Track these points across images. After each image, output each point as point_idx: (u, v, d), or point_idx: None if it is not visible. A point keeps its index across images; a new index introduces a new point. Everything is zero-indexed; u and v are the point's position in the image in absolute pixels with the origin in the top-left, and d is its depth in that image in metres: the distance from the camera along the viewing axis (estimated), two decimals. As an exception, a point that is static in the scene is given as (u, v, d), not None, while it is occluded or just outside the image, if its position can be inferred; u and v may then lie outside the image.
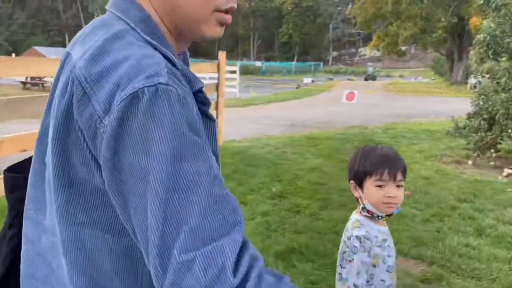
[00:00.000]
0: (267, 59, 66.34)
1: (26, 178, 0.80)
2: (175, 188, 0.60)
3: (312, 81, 38.97)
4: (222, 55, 7.45)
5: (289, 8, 69.56)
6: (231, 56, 46.89)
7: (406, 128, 10.66)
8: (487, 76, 8.78)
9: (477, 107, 7.74)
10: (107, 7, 0.79)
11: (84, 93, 0.65)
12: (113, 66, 0.65)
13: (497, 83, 7.31)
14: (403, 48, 41.47)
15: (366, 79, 44.54)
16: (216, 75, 7.39)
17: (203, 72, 8.73)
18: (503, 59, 6.44)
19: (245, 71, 43.49)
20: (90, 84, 0.65)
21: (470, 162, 7.11)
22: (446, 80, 34.87)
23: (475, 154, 7.06)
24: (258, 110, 14.48)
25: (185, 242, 0.58)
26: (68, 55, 0.75)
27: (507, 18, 5.88)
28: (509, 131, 6.12)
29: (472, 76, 11.59)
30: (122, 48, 0.68)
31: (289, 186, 5.43)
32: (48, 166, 0.72)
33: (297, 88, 29.26)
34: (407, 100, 19.53)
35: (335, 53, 79.10)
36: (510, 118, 6.01)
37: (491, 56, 6.29)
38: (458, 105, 11.95)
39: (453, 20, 31.68)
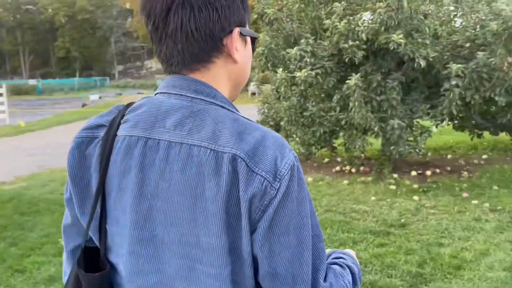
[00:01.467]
0: (44, 76, 59.64)
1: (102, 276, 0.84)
2: (316, 239, 0.82)
3: (100, 97, 36.71)
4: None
5: (62, 20, 64.08)
6: (-4, 75, 40.41)
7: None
8: (266, 85, 9.48)
9: (263, 115, 8.21)
10: (176, 91, 0.84)
11: (248, 167, 0.76)
12: (260, 142, 0.78)
13: (277, 91, 7.89)
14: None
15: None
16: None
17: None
18: (280, 70, 6.90)
19: (17, 92, 38.08)
20: (250, 160, 0.77)
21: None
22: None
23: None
24: (36, 138, 12.46)
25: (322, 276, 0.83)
26: (148, 140, 0.81)
27: (279, 32, 6.27)
28: (294, 136, 6.55)
29: (251, 83, 12.47)
30: (249, 125, 0.82)
31: (82, 232, 4.53)
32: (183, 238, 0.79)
33: (83, 107, 27.02)
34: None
35: (120, 67, 76.79)
36: (293, 124, 6.43)
37: (270, 68, 6.63)
38: (241, 111, 12.63)
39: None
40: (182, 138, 0.79)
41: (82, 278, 0.86)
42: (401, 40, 4.87)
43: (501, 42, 5.03)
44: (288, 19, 6.09)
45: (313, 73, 5.44)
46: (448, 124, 6.55)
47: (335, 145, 7.04)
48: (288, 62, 6.17)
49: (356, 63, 5.46)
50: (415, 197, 5.60)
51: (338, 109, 5.86)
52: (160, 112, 0.82)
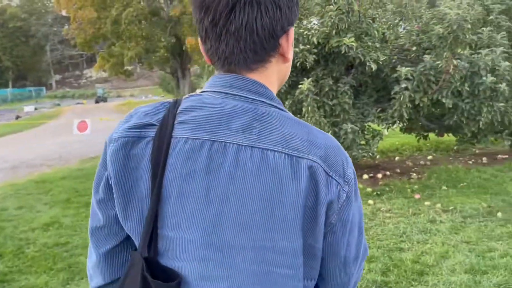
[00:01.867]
0: (-27, 88, 55.65)
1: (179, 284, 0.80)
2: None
3: (36, 108, 34.77)
4: None
5: (-9, 28, 60.24)
6: None
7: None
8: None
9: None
10: (235, 92, 0.82)
11: (325, 173, 0.79)
12: (329, 147, 0.82)
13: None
14: (130, 68, 41.66)
15: (97, 102, 42.90)
16: None
17: None
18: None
19: None
20: (325, 165, 0.80)
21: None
22: (175, 96, 36.78)
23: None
24: (-35, 154, 11.44)
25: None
26: (214, 143, 0.78)
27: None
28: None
29: (197, 91, 12.21)
30: (310, 127, 0.84)
31: (15, 260, 4.05)
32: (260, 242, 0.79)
33: (17, 119, 25.38)
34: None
35: (58, 77, 73.31)
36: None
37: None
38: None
39: (172, 40, 33.66)
40: (253, 142, 0.78)
41: (154, 286, 0.79)
42: (353, 44, 4.82)
43: (446, 45, 5.13)
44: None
45: (265, 78, 5.27)
46: (397, 127, 6.64)
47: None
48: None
49: (308, 68, 5.36)
50: (370, 201, 5.58)
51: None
52: (223, 114, 0.80)
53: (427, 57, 5.31)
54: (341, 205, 0.82)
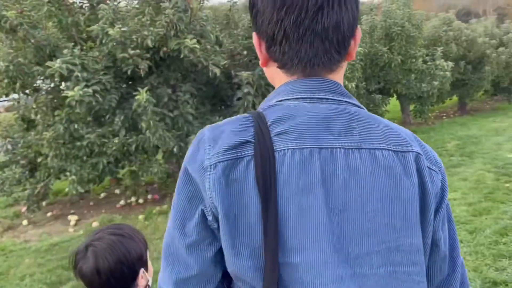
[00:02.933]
0: None
1: None
2: None
3: None
4: None
5: None
6: None
7: None
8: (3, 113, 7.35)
9: (8, 153, 6.25)
10: (322, 95, 0.78)
11: (428, 164, 0.79)
12: (418, 139, 0.82)
13: (23, 120, 6.13)
14: None
15: None
16: None
17: None
18: (28, 90, 5.33)
19: None
20: (426, 156, 0.79)
21: (25, 222, 5.64)
22: None
23: (31, 210, 5.61)
24: None
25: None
26: (321, 150, 0.73)
27: (27, 41, 4.74)
28: (68, 173, 5.11)
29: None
30: (393, 123, 0.83)
31: None
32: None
33: None
34: None
35: None
36: (63, 159, 5.01)
37: (18, 89, 4.99)
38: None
39: None
40: (357, 143, 0.74)
41: None
42: (196, 46, 4.29)
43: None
44: (39, 25, 4.66)
45: (90, 90, 4.26)
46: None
47: (120, 176, 5.90)
48: (44, 79, 4.75)
49: (142, 76, 4.58)
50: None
51: (123, 132, 4.83)
52: (319, 119, 0.75)
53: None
54: (441, 194, 0.81)
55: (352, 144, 0.73)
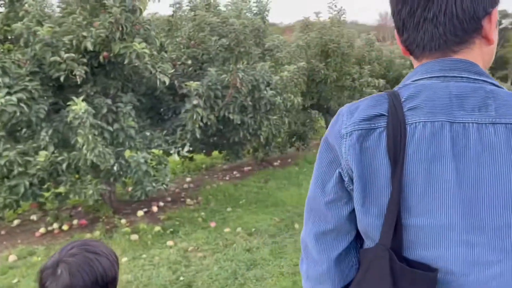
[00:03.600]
0: None
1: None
2: None
3: None
4: None
5: None
6: None
7: None
8: None
9: None
10: (456, 74, 0.81)
11: None
12: None
13: None
14: None
15: None
16: None
17: None
18: None
19: None
20: None
21: None
22: None
23: None
24: None
25: None
26: (453, 124, 0.76)
27: None
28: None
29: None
30: None
31: None
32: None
33: None
34: None
35: None
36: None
37: None
38: None
39: None
40: (493, 118, 0.75)
41: (409, 277, 0.74)
42: (145, 51, 3.79)
43: (233, 57, 4.79)
44: None
45: (14, 98, 3.56)
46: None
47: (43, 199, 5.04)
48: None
49: (78, 83, 3.94)
50: (169, 242, 4.62)
51: (51, 148, 4.11)
52: (452, 96, 0.78)
53: (212, 70, 4.82)
54: None
55: (486, 120, 0.75)
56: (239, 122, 5.01)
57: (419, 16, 0.80)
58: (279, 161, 8.77)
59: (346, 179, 0.81)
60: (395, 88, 0.85)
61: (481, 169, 0.73)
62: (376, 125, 0.79)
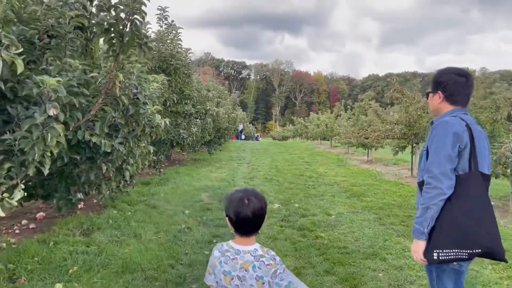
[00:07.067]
0: None
1: None
2: None
3: None
4: None
5: None
6: None
7: None
8: None
9: None
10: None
11: None
12: None
13: None
14: None
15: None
16: None
17: None
18: None
19: None
20: None
21: None
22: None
23: None
24: None
25: None
26: (481, 133, 2.50)
27: None
28: None
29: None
30: None
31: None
32: None
33: None
34: None
35: None
36: None
37: None
38: None
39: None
40: (481, 128, 2.52)
41: (484, 176, 2.34)
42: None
43: (115, 46, 2.95)
44: None
45: None
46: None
47: None
48: None
49: None
50: None
51: None
52: (472, 120, 2.45)
53: (75, 62, 2.85)
54: None
55: (479, 128, 2.49)
56: (108, 150, 3.12)
57: (469, 95, 2.52)
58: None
59: (462, 147, 2.31)
60: (453, 114, 2.45)
61: (485, 145, 2.41)
62: (464, 128, 2.35)
